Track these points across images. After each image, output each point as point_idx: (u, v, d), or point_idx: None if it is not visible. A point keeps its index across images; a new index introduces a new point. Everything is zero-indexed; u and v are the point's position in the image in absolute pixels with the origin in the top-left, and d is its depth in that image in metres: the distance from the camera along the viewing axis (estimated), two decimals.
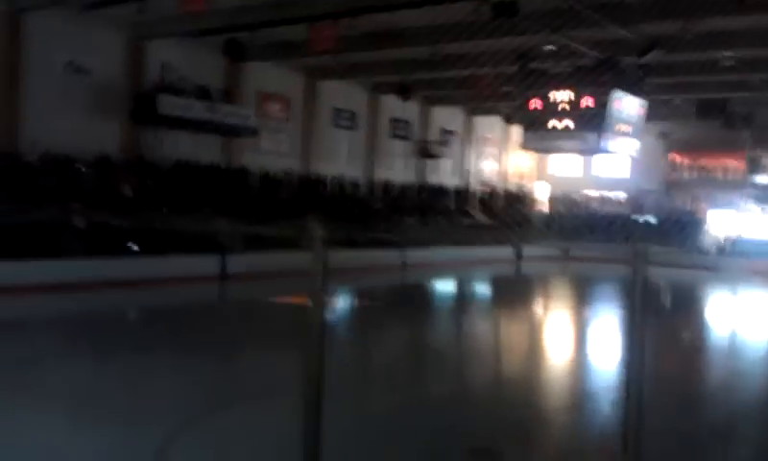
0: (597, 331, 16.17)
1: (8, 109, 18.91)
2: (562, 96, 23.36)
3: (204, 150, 23.84)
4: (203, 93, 22.82)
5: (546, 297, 23.43)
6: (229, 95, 24.27)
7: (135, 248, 18.16)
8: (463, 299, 22.46)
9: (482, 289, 24.99)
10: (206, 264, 18.80)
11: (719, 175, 35.66)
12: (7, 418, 6.47)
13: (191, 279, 17.90)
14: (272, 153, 26.52)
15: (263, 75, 25.58)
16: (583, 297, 22.99)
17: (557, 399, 9.74)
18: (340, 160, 29.63)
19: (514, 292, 23.72)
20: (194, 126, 22.51)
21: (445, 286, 24.46)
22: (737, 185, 34.63)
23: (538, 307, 21.03)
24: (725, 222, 33.44)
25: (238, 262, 19.38)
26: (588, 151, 27.12)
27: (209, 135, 23.70)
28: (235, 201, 22.04)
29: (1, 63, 18.72)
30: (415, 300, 20.08)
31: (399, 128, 32.58)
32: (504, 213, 35.17)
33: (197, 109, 22.29)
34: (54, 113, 19.40)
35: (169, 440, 6.47)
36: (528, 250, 31.33)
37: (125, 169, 21.00)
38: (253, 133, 24.56)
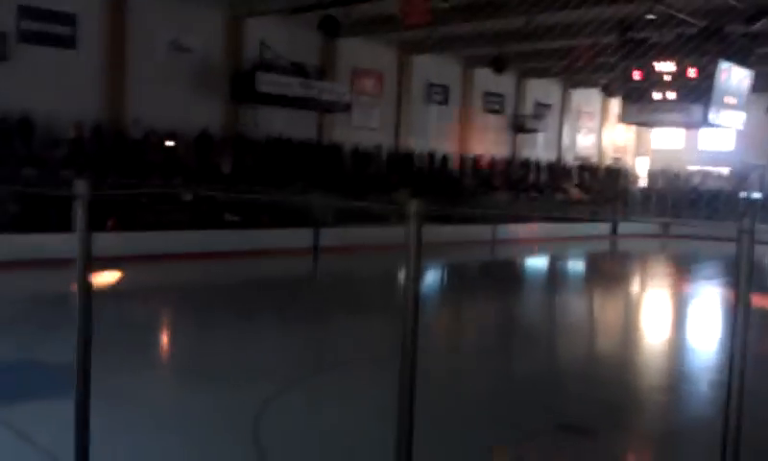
0: (697, 311, 15.60)
1: (115, 89, 19.78)
2: (664, 67, 22.37)
3: (298, 126, 24.26)
4: (298, 70, 23.18)
5: (643, 274, 22.73)
6: (324, 71, 24.56)
7: (235, 219, 18.88)
8: (557, 275, 22.12)
9: (576, 265, 24.48)
10: (300, 237, 19.35)
11: None
12: (125, 376, 6.90)
13: (286, 252, 18.48)
14: (363, 128, 26.73)
15: (357, 51, 25.73)
16: (682, 275, 22.17)
17: (653, 378, 9.51)
18: (431, 135, 29.53)
19: (609, 269, 23.17)
20: (290, 102, 22.93)
21: (539, 262, 24.13)
22: None
23: (634, 285, 20.45)
24: None
25: (330, 235, 19.87)
26: (692, 124, 25.90)
27: (304, 112, 24.08)
28: (327, 176, 22.42)
29: (109, 44, 19.58)
30: (507, 275, 19.93)
31: (493, 101, 32.11)
32: (600, 188, 34.24)
33: (293, 86, 22.68)
34: (157, 92, 20.15)
35: (269, 399, 6.80)
36: (625, 226, 30.49)
37: (223, 145, 21.67)
38: (346, 108, 24.82)
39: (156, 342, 9.34)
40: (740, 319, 2.78)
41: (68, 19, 18.80)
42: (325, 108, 24.36)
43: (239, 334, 9.92)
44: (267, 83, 21.92)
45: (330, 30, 22.68)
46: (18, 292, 12.95)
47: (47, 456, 5.22)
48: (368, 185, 23.09)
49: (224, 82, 22.16)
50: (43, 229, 15.49)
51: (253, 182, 20.67)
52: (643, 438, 7.08)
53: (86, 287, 3.41)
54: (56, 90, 18.19)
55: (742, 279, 2.75)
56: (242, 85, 21.95)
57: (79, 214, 3.40)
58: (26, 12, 18.00)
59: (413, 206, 2.68)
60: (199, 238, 17.58)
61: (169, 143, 20.53)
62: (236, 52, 22.43)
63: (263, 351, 9.11)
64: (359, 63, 26.46)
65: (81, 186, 3.40)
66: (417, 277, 2.74)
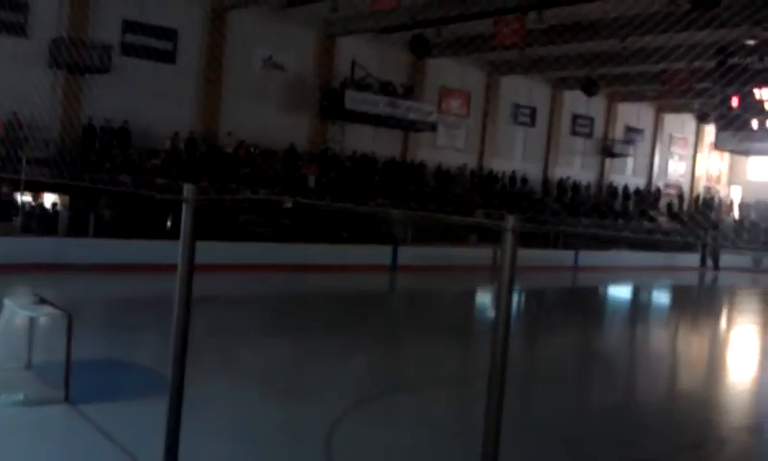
0: None
1: (210, 102, 20.50)
2: (764, 94, 21.49)
3: (383, 143, 24.48)
4: (387, 89, 23.41)
5: (732, 310, 21.69)
6: (412, 91, 24.70)
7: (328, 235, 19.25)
8: (640, 306, 21.37)
9: (661, 298, 23.59)
10: (380, 254, 19.62)
11: None
12: (205, 382, 7.05)
13: (366, 268, 18.65)
14: (448, 148, 26.70)
15: (445, 70, 25.77)
16: None
17: (736, 418, 9.07)
18: (516, 157, 29.22)
19: (696, 303, 22.26)
20: (376, 120, 23.19)
21: (621, 292, 23.38)
22: None
23: (722, 320, 19.55)
24: None
25: (408, 254, 20.10)
26: None
27: (390, 130, 24.28)
28: (410, 194, 22.51)
29: (206, 58, 20.30)
30: (588, 304, 19.43)
31: (581, 124, 31.51)
32: (691, 218, 33.01)
33: (380, 105, 22.94)
34: (249, 106, 20.71)
35: (343, 415, 6.84)
36: (716, 258, 29.28)
37: (310, 160, 22.06)
38: (432, 128, 24.89)
39: (238, 351, 9.53)
40: None
41: (169, 34, 19.59)
42: (411, 126, 24.48)
43: (321, 348, 10.04)
44: (355, 100, 22.25)
45: (420, 49, 22.77)
46: (114, 294, 13.48)
47: (127, 457, 5.36)
48: (450, 204, 23.03)
49: (313, 98, 22.60)
50: (138, 235, 16.15)
51: (338, 197, 20.96)
52: None
53: (186, 292, 3.50)
54: (154, 102, 18.90)
55: None
56: (331, 103, 22.34)
57: (185, 219, 3.51)
58: (129, 27, 18.86)
59: (509, 223, 2.62)
60: (282, 251, 17.92)
61: (258, 156, 21.06)
62: (327, 70, 22.87)
63: (340, 367, 9.17)
64: (447, 83, 26.48)
65: (189, 191, 3.51)
66: (509, 296, 2.68)
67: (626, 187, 32.48)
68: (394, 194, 22.08)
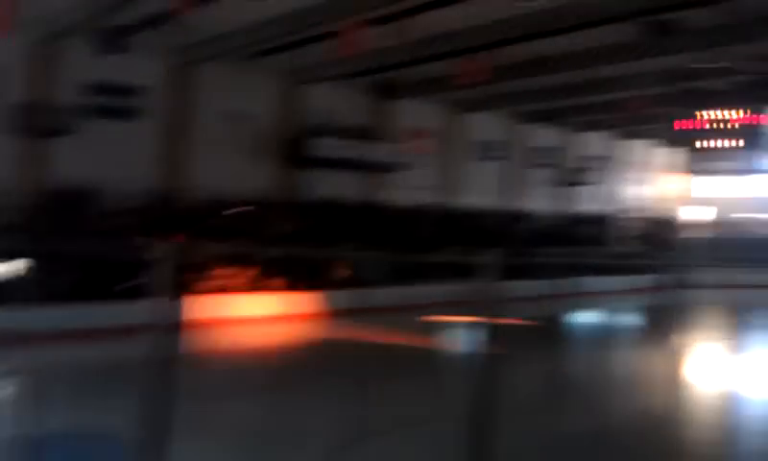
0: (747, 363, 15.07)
1: (176, 157, 20.32)
2: (721, 115, 22.17)
3: (352, 187, 24.52)
4: (351, 133, 23.54)
5: (700, 326, 22.00)
6: (375, 133, 24.87)
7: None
8: (609, 329, 21.61)
9: (628, 318, 23.81)
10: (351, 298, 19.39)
11: None
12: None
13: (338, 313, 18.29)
14: (413, 187, 26.82)
15: (408, 111, 26.02)
16: (737, 326, 21.46)
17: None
18: (481, 192, 29.48)
19: (662, 321, 22.50)
20: (343, 165, 23.25)
21: (590, 317, 23.54)
22: None
23: (688, 337, 19.82)
24: None
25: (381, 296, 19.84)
26: (752, 171, 25.51)
27: (358, 173, 24.34)
28: (380, 235, 22.49)
29: (170, 114, 20.16)
30: (560, 330, 19.53)
31: (543, 156, 32.01)
32: (654, 240, 33.64)
33: (346, 149, 23.04)
34: (216, 158, 20.55)
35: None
36: (679, 277, 29.78)
37: (283, 209, 21.93)
38: (397, 168, 25.01)
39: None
40: None
41: (132, 92, 19.40)
42: (378, 168, 24.58)
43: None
44: (320, 147, 22.31)
45: (384, 93, 23.08)
46: (77, 362, 12.93)
47: None
48: (420, 244, 23.07)
49: (280, 146, 22.57)
50: (103, 297, 15.59)
51: (310, 244, 20.80)
52: None
53: (168, 354, 3.36)
54: (120, 160, 18.62)
55: None
56: (297, 150, 22.34)
57: (158, 278, 3.38)
58: (91, 87, 18.62)
59: (489, 258, 2.60)
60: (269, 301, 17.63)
61: (227, 208, 20.85)
62: (291, 117, 22.89)
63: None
64: (411, 123, 26.70)
65: (163, 250, 3.39)
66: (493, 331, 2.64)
67: (586, 215, 32.95)
68: (365, 237, 22.01)
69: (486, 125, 29.27)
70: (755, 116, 21.95)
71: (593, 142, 33.92)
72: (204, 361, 11.98)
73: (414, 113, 26.51)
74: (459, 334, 16.71)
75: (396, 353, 14.16)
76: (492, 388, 2.65)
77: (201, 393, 8.76)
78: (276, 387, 10.77)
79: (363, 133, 24.18)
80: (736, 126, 22.26)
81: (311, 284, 19.06)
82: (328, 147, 22.63)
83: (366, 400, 9.98)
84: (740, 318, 23.12)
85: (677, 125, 24.29)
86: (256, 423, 8.88)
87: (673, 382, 13.05)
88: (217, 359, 13.23)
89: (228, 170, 20.95)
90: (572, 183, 32.86)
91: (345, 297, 18.70)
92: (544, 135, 29.99)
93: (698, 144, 23.48)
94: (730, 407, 11.24)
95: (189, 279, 16.10)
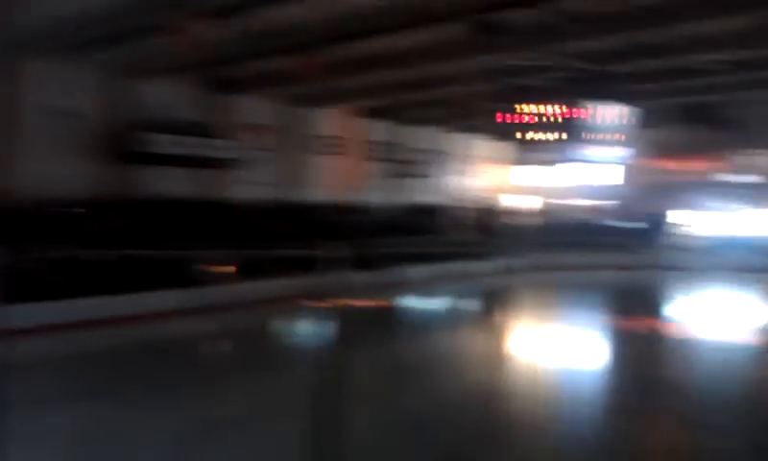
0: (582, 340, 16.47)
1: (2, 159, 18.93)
2: (545, 109, 23.81)
3: (189, 184, 23.92)
4: (187, 128, 22.91)
5: (532, 306, 23.58)
6: (215, 128, 24.40)
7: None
8: (447, 313, 22.68)
9: (463, 303, 25.03)
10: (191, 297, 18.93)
11: (704, 177, 36.40)
12: None
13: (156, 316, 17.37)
14: (256, 183, 26.65)
15: (246, 106, 25.77)
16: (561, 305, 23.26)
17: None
18: (324, 186, 29.82)
19: (495, 305, 23.87)
20: (179, 161, 22.55)
21: (426, 303, 24.46)
22: (722, 186, 35.39)
23: (513, 317, 21.23)
24: (709, 222, 34.23)
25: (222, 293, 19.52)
26: (573, 161, 27.59)
27: (194, 170, 23.76)
28: (221, 232, 22.12)
29: None
30: (402, 317, 20.22)
31: (380, 150, 32.88)
32: (487, 228, 35.52)
33: (182, 145, 22.38)
34: (44, 158, 19.43)
35: None
36: (512, 262, 31.70)
37: (113, 208, 20.97)
38: (238, 164, 24.69)
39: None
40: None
41: None
42: (216, 164, 24.13)
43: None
44: (155, 143, 21.55)
45: (220, 87, 22.68)
46: None
47: None
48: (263, 239, 22.93)
49: (111, 143, 21.56)
50: None
51: (146, 244, 20.05)
52: None
53: None
54: None
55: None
56: (130, 147, 21.43)
57: None
58: None
59: (330, 251, 2.78)
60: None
61: (54, 209, 19.64)
62: (123, 113, 21.91)
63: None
64: (250, 118, 26.46)
65: None
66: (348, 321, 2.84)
67: (423, 206, 34.27)
68: (204, 234, 21.57)
69: (325, 120, 29.60)
70: (573, 110, 23.69)
71: (427, 136, 35.27)
72: None
73: (253, 109, 26.30)
74: (298, 328, 16.90)
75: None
76: (336, 376, 2.81)
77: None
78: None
79: (201, 129, 23.62)
80: (559, 119, 23.93)
81: (140, 285, 18.22)
82: (164, 143, 21.89)
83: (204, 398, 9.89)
84: (563, 298, 24.93)
85: (500, 118, 25.71)
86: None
87: (498, 359, 13.96)
88: None
89: (57, 169, 19.81)
90: (408, 176, 34.00)
91: (174, 297, 18.12)
92: (380, 130, 30.78)
93: (522, 137, 24.98)
94: (556, 380, 12.20)
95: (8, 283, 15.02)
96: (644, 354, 14.46)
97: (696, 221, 34.53)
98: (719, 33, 18.15)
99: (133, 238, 19.80)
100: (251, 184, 26.34)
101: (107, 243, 18.99)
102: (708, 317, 20.82)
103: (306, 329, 15.61)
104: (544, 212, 39.16)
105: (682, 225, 34.42)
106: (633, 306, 21.47)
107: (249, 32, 17.38)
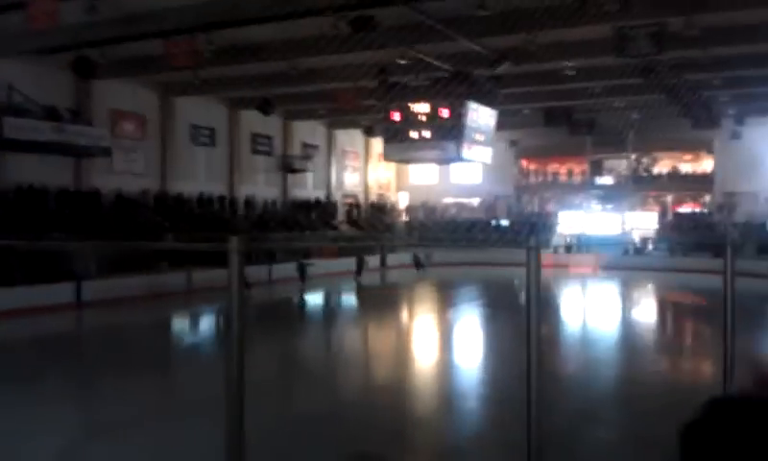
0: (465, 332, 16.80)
1: None
2: (420, 108, 24.06)
3: (53, 172, 22.57)
4: (51, 114, 21.57)
5: (407, 302, 23.87)
6: (80, 115, 23.12)
7: None
8: (326, 309, 22.70)
9: (344, 300, 25.07)
10: (60, 292, 18.19)
11: (565, 178, 38.25)
12: None
13: (43, 309, 17.09)
14: (126, 173, 25.54)
15: (116, 93, 24.60)
16: (448, 300, 23.73)
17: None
18: (200, 178, 28.98)
19: (377, 300, 24.02)
20: (42, 148, 21.16)
21: (313, 298, 24.35)
22: (581, 188, 37.29)
23: (399, 312, 21.51)
24: (571, 221, 35.97)
25: (96, 288, 18.97)
26: (446, 160, 28.05)
27: (59, 157, 22.42)
28: (89, 224, 21.05)
29: None
30: (282, 315, 19.99)
31: (261, 143, 32.33)
32: (367, 224, 35.71)
33: (44, 131, 21.01)
34: None
35: None
36: (391, 258, 32.10)
37: None
38: (106, 153, 23.46)
39: None
40: (533, 331, 3.07)
41: None
42: (83, 152, 22.86)
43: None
44: (15, 128, 20.11)
45: (85, 71, 21.41)
46: None
47: None
48: (135, 231, 22.01)
49: None
50: None
51: (3, 235, 18.78)
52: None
53: None
54: None
55: (532, 291, 3.05)
56: None
57: None
58: None
59: (234, 244, 2.66)
60: None
61: None
62: None
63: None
64: (119, 106, 25.28)
65: None
66: (241, 317, 2.70)
67: (308, 200, 34.06)
68: (70, 226, 20.45)
69: (202, 110, 28.76)
70: (454, 110, 24.00)
71: (311, 130, 35.02)
72: None
73: (123, 95, 25.15)
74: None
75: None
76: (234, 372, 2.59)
77: None
78: None
79: (65, 115, 22.30)
80: (435, 119, 24.19)
81: None
82: (25, 129, 20.45)
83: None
84: (452, 294, 25.36)
85: (389, 117, 25.77)
86: None
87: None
88: None
89: None
90: (292, 170, 33.64)
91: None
92: (263, 122, 30.21)
93: (403, 135, 25.13)
94: (447, 374, 12.21)
95: None
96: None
97: (565, 220, 36.18)
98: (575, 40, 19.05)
99: None
100: (122, 174, 25.21)
101: None
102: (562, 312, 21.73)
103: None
104: (418, 209, 39.85)
105: (555, 224, 35.97)
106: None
107: (117, 14, 16.54)
